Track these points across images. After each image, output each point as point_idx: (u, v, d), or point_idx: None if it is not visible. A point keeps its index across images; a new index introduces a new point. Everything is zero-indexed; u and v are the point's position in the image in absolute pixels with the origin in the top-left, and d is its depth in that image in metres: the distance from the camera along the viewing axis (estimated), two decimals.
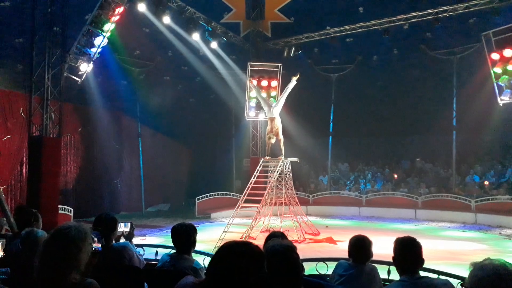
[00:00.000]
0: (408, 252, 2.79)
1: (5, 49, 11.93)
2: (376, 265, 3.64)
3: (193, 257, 3.53)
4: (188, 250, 3.43)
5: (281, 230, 10.50)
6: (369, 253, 3.46)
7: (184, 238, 3.38)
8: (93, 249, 2.79)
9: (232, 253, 1.94)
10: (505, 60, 12.30)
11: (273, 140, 11.79)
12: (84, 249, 2.15)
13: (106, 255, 3.45)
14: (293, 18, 16.60)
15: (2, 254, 3.00)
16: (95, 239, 2.88)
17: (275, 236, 3.19)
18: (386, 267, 3.97)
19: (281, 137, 11.83)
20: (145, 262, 3.82)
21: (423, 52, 15.98)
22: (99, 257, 3.29)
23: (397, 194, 16.57)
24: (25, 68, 11.77)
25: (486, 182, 15.82)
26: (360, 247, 3.45)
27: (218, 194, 16.77)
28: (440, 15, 13.78)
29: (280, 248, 2.13)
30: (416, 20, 14.33)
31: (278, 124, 11.79)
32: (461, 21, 14.26)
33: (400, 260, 2.81)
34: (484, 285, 1.67)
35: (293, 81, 12.05)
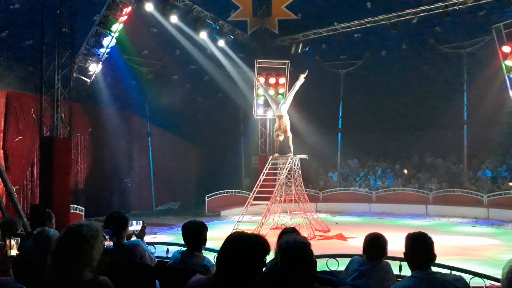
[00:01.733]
0: (419, 248, 2.75)
1: (15, 52, 12.08)
2: (388, 261, 3.63)
3: (204, 255, 3.54)
4: (199, 248, 3.44)
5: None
6: (384, 251, 3.45)
7: (195, 235, 3.39)
8: (105, 246, 2.82)
9: (239, 243, 2.01)
10: None
11: (281, 138, 11.79)
12: (96, 246, 2.18)
13: (118, 253, 3.48)
14: (300, 15, 16.50)
15: (17, 253, 3.04)
16: (107, 237, 2.91)
17: (288, 232, 3.19)
18: (398, 263, 3.94)
19: (289, 134, 11.83)
20: (156, 260, 3.84)
21: (433, 46, 15.81)
22: (111, 255, 3.32)
23: (407, 190, 16.41)
24: (35, 70, 11.91)
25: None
26: (376, 245, 3.44)
27: (227, 192, 16.81)
28: (449, 8, 13.58)
29: (294, 244, 2.12)
30: (424, 14, 14.14)
31: (286, 122, 11.78)
32: (471, 14, 14.04)
33: (412, 255, 2.78)
34: None
35: (301, 79, 12.02)
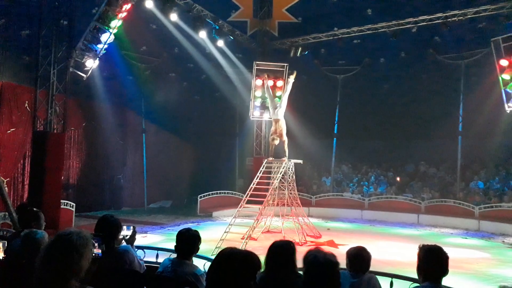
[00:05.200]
0: (434, 261, 2.77)
1: (11, 40, 11.91)
2: (379, 277, 3.60)
3: (194, 263, 3.49)
4: (189, 256, 3.40)
5: (283, 232, 10.43)
6: (368, 264, 3.43)
7: (189, 244, 3.37)
8: (93, 254, 2.76)
9: (230, 260, 1.98)
10: None
11: (276, 142, 11.75)
12: (86, 255, 2.13)
13: (108, 258, 3.41)
14: (300, 18, 16.51)
15: (3, 256, 2.97)
16: (96, 244, 2.85)
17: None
18: (389, 279, 3.91)
19: (285, 138, 11.78)
20: (145, 266, 3.78)
21: (431, 56, 15.88)
22: (100, 260, 3.27)
23: (400, 198, 16.45)
24: (31, 61, 11.78)
25: None
26: (360, 258, 3.42)
27: (220, 193, 16.74)
28: (449, 19, 13.65)
29: (322, 261, 2.10)
30: (425, 23, 14.19)
31: (282, 126, 11.75)
32: (470, 25, 14.14)
33: (425, 268, 2.78)
34: None
35: (291, 80, 12.08)
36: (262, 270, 2.98)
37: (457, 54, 15.69)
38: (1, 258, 2.95)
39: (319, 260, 2.11)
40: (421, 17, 14.12)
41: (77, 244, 2.09)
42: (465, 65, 15.79)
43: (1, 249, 2.98)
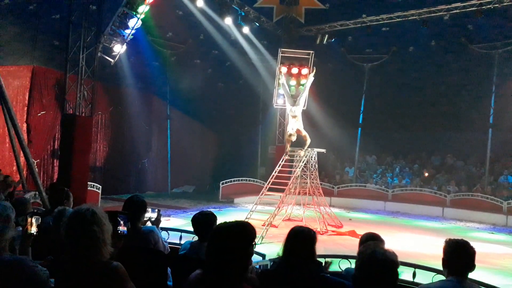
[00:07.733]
0: (460, 255, 2.68)
1: (42, 25, 12.19)
2: (402, 267, 3.55)
3: None
4: None
5: (304, 220, 10.37)
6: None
7: (206, 227, 3.37)
8: (119, 232, 2.83)
9: (224, 233, 2.00)
10: None
11: (294, 138, 11.54)
12: (106, 227, 2.20)
13: (134, 237, 3.50)
14: (328, 5, 16.20)
15: (36, 230, 3.08)
16: (122, 222, 2.91)
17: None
18: (412, 269, 3.86)
19: (304, 133, 11.51)
20: (169, 248, 3.86)
21: (463, 45, 15.33)
22: (126, 239, 3.35)
23: (425, 191, 16.12)
24: (61, 45, 12.04)
25: None
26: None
27: (242, 180, 16.86)
28: (484, 7, 13.10)
29: (381, 257, 1.95)
30: (457, 11, 13.69)
31: (299, 122, 11.52)
32: (506, 13, 13.55)
33: (451, 262, 2.70)
34: None
35: (311, 78, 11.95)
36: (278, 256, 2.96)
37: (491, 44, 15.09)
38: (35, 233, 3.05)
39: (377, 257, 1.92)
40: (454, 4, 13.62)
41: (94, 217, 2.17)
42: (498, 55, 15.18)
43: (35, 225, 3.09)
